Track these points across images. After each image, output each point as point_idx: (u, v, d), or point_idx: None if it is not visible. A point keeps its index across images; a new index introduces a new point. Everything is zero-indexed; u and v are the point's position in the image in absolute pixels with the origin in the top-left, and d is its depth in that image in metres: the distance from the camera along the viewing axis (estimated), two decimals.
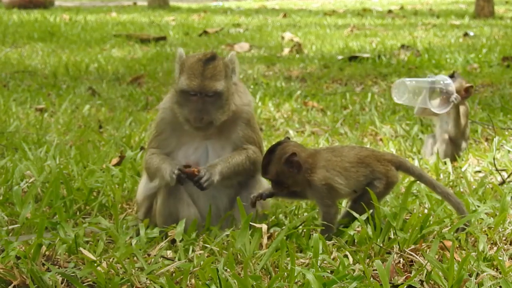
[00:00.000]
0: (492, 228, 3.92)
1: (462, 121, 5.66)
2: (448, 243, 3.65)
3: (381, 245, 3.64)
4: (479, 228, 3.90)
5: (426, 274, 3.31)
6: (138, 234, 3.82)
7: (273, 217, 4.17)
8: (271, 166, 3.80)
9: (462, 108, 5.68)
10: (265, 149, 3.97)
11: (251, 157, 3.93)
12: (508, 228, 3.93)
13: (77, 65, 10.47)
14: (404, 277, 3.34)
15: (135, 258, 3.54)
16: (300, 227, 3.84)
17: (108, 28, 16.92)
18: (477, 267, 3.39)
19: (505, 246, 3.75)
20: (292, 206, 4.37)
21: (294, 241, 3.72)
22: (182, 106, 3.85)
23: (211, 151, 3.94)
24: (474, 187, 4.69)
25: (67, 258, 3.56)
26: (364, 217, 3.77)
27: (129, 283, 3.23)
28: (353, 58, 11.09)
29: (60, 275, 3.26)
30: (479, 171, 5.36)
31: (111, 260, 3.43)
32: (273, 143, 3.95)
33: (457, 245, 3.69)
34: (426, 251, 3.53)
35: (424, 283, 3.28)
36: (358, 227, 3.83)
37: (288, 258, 3.40)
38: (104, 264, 3.37)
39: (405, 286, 3.18)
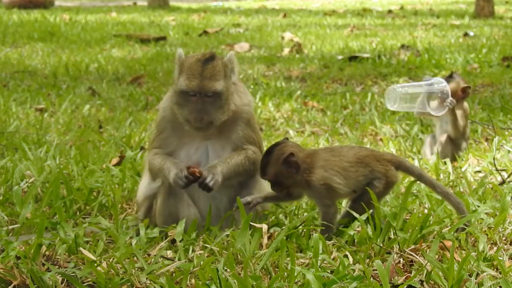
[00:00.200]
0: (492, 228, 3.92)
1: (461, 122, 5.65)
2: (448, 243, 3.65)
3: (381, 245, 3.64)
4: (479, 228, 3.90)
5: (426, 274, 3.31)
6: (138, 234, 3.82)
7: (273, 217, 4.17)
8: (269, 167, 3.80)
9: (461, 109, 5.68)
10: (265, 149, 3.97)
11: (250, 157, 3.93)
12: (508, 228, 3.93)
13: (77, 65, 10.47)
14: (404, 277, 3.34)
15: (135, 258, 3.54)
16: (300, 227, 3.84)
17: (108, 28, 16.92)
18: (477, 267, 3.39)
19: (505, 246, 3.75)
20: (292, 206, 4.36)
21: (294, 241, 3.71)
22: (182, 106, 3.85)
23: (211, 151, 3.94)
24: (474, 187, 4.69)
25: (67, 258, 3.56)
26: (364, 217, 3.77)
27: (129, 283, 3.23)
28: (353, 58, 11.09)
29: (60, 275, 3.26)
30: (479, 171, 5.36)
31: (111, 260, 3.43)
32: (273, 143, 3.95)
33: (457, 245, 3.69)
34: (426, 251, 3.53)
35: (424, 283, 3.28)
36: (358, 227, 3.83)
37: (288, 258, 3.40)
38: (104, 264, 3.37)
39: (405, 286, 3.18)
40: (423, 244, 3.64)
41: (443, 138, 5.69)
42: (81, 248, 3.52)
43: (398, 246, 3.64)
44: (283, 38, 14.47)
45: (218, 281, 3.12)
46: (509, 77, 9.44)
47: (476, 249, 3.61)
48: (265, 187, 4.02)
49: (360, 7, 27.05)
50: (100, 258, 3.45)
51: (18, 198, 4.24)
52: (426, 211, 4.19)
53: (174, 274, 3.33)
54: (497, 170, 5.07)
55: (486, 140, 6.27)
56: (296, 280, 3.19)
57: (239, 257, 3.54)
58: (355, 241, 3.74)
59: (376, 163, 3.88)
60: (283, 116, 7.32)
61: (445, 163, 5.45)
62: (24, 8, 23.45)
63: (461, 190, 4.73)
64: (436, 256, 3.49)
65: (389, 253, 3.63)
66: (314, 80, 9.53)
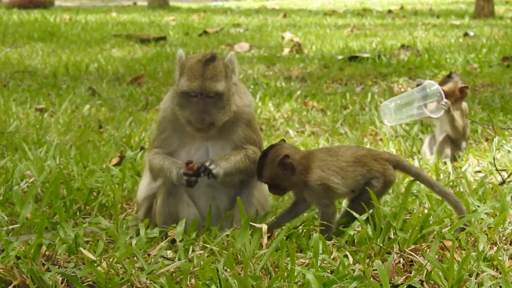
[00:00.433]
0: (492, 228, 3.92)
1: (460, 122, 5.65)
2: (448, 243, 3.65)
3: (381, 245, 3.64)
4: (479, 228, 3.90)
5: (426, 274, 3.31)
6: (138, 234, 3.82)
7: (273, 217, 4.17)
8: (265, 170, 3.81)
9: (459, 109, 5.68)
10: None
11: (250, 156, 3.92)
12: (508, 228, 3.93)
13: (77, 65, 10.47)
14: (404, 277, 3.34)
15: (135, 258, 3.53)
16: (300, 227, 3.84)
17: (108, 28, 16.92)
18: (477, 267, 3.39)
19: (505, 246, 3.75)
20: None
21: (294, 241, 3.71)
22: (183, 107, 3.85)
23: (211, 151, 3.94)
24: (474, 187, 4.69)
25: (67, 258, 3.56)
26: (364, 217, 3.77)
27: (129, 283, 3.23)
28: (353, 58, 11.09)
29: (60, 275, 3.26)
30: (479, 171, 5.36)
31: (111, 260, 3.43)
32: (269, 145, 3.96)
33: (457, 245, 3.69)
34: (426, 251, 3.53)
35: (424, 283, 3.28)
36: (358, 227, 3.83)
37: (288, 258, 3.40)
38: (104, 264, 3.37)
39: (405, 286, 3.18)
40: (423, 244, 3.64)
41: (443, 138, 5.69)
42: (81, 248, 3.52)
43: (398, 246, 3.64)
44: (283, 38, 14.47)
45: (218, 281, 3.12)
46: (509, 77, 9.44)
47: (476, 249, 3.61)
48: (265, 187, 4.01)
49: (360, 7, 27.05)
50: (100, 258, 3.45)
51: (18, 198, 4.24)
52: (426, 211, 4.19)
53: (174, 274, 3.33)
54: (497, 170, 5.07)
55: (486, 140, 6.27)
56: (296, 280, 3.19)
57: (239, 257, 3.54)
58: (355, 241, 3.74)
59: (374, 162, 3.88)
60: (283, 116, 7.32)
61: (445, 163, 5.45)
62: (24, 8, 23.45)
63: (461, 190, 4.73)
64: (436, 256, 3.49)
65: (389, 253, 3.63)
66: (314, 80, 9.53)
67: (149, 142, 4.19)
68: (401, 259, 3.57)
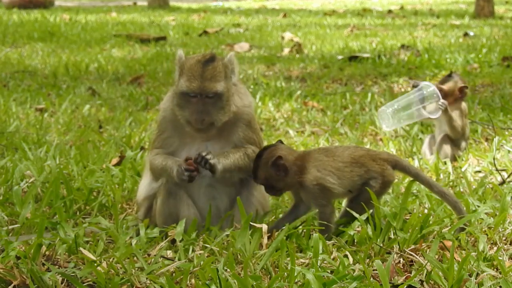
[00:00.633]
0: (492, 228, 3.92)
1: (459, 122, 5.65)
2: (448, 243, 3.65)
3: (381, 245, 3.64)
4: (479, 228, 3.90)
5: (426, 274, 3.31)
6: (138, 234, 3.82)
7: (273, 217, 4.17)
8: (260, 171, 3.83)
9: (458, 109, 5.68)
10: None
11: (249, 155, 3.92)
12: (508, 228, 3.93)
13: (77, 65, 10.47)
14: (404, 277, 3.34)
15: (135, 258, 3.53)
16: (300, 227, 3.84)
17: (108, 28, 16.92)
18: (477, 267, 3.39)
19: (505, 246, 3.76)
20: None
21: (294, 241, 3.71)
22: (182, 108, 3.85)
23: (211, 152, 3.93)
24: (474, 187, 4.69)
25: (67, 258, 3.56)
26: (364, 217, 3.77)
27: (129, 283, 3.23)
28: (353, 58, 11.09)
29: (60, 275, 3.26)
30: (479, 171, 5.36)
31: (111, 260, 3.43)
32: (264, 146, 3.97)
33: (457, 245, 3.69)
34: (426, 251, 3.53)
35: (424, 283, 3.28)
36: (358, 227, 3.83)
37: (288, 258, 3.40)
38: (104, 264, 3.37)
39: (405, 286, 3.18)
40: (423, 244, 3.64)
41: (442, 138, 5.69)
42: (81, 248, 3.52)
43: (398, 246, 3.64)
44: (283, 38, 14.47)
45: (218, 281, 3.12)
46: (509, 77, 9.44)
47: (476, 249, 3.61)
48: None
49: (360, 7, 27.05)
50: (100, 258, 3.45)
51: (18, 198, 4.24)
52: (426, 211, 4.19)
53: (174, 274, 3.33)
54: (497, 170, 5.08)
55: (486, 140, 6.27)
56: (296, 280, 3.19)
57: (239, 257, 3.54)
58: (355, 241, 3.74)
59: (372, 162, 3.88)
60: (283, 116, 7.32)
61: (445, 163, 5.45)
62: (24, 8, 23.45)
63: (461, 190, 4.73)
64: (436, 256, 3.49)
65: (389, 253, 3.63)
66: (314, 80, 9.53)
67: (150, 143, 4.19)
68: (401, 259, 3.57)
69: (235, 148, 3.94)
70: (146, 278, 3.27)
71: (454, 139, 5.70)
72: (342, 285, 3.16)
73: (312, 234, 3.65)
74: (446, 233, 3.78)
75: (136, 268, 3.37)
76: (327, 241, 3.62)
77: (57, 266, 3.46)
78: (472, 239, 3.82)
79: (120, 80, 9.53)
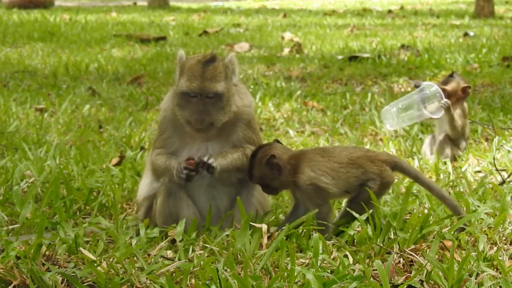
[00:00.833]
0: (492, 228, 3.92)
1: (459, 122, 5.65)
2: (448, 243, 3.65)
3: (381, 245, 3.64)
4: (479, 228, 3.90)
5: (426, 274, 3.31)
6: (138, 234, 3.82)
7: (273, 217, 4.17)
8: (254, 170, 3.84)
9: (460, 109, 5.68)
10: None
11: (248, 154, 3.92)
12: (508, 228, 3.93)
13: (77, 65, 10.47)
14: (404, 277, 3.34)
15: (135, 258, 3.53)
16: (300, 227, 3.84)
17: (108, 28, 16.92)
18: (477, 267, 3.39)
19: (505, 246, 3.76)
20: (292, 206, 4.36)
21: (294, 241, 3.71)
22: (183, 108, 3.86)
23: (211, 152, 3.93)
24: (474, 187, 4.69)
25: (67, 258, 3.56)
26: (364, 217, 3.77)
27: (129, 283, 3.23)
28: (353, 58, 11.09)
29: (60, 275, 3.26)
30: (479, 171, 5.36)
31: (111, 260, 3.43)
32: (259, 145, 3.97)
33: (457, 245, 3.69)
34: (426, 251, 3.53)
35: (424, 283, 3.28)
36: (358, 227, 3.83)
37: (288, 258, 3.40)
38: (104, 264, 3.37)
39: (405, 286, 3.18)
40: (423, 244, 3.64)
41: (443, 138, 5.68)
42: (81, 248, 3.52)
43: (398, 246, 3.64)
44: (283, 38, 14.47)
45: (218, 281, 3.12)
46: (509, 77, 9.44)
47: (476, 249, 3.61)
48: None
49: (360, 7, 27.05)
50: (100, 258, 3.45)
51: (18, 198, 4.24)
52: (426, 211, 4.19)
53: (174, 274, 3.33)
54: (497, 170, 5.07)
55: (486, 140, 6.27)
56: (296, 280, 3.19)
57: (239, 257, 3.54)
58: (355, 241, 3.74)
59: (370, 164, 3.87)
60: (283, 116, 7.32)
61: (445, 163, 5.45)
62: (24, 8, 23.45)
63: (461, 190, 4.73)
64: (436, 256, 3.49)
65: (389, 253, 3.63)
66: (314, 80, 9.53)
67: (151, 143, 4.19)
68: (401, 259, 3.57)
69: (234, 148, 3.94)
70: (146, 278, 3.27)
71: (454, 139, 5.71)
72: (342, 285, 3.16)
73: (312, 234, 3.65)
74: (446, 233, 3.78)
75: (136, 268, 3.37)
76: (327, 241, 3.62)
77: (57, 266, 3.46)
78: (472, 239, 3.82)
79: (120, 80, 9.52)
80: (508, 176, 4.93)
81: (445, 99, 5.42)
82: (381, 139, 6.33)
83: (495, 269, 3.43)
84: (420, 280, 3.30)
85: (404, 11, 24.56)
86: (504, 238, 3.87)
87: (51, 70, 10.07)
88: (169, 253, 3.62)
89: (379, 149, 5.85)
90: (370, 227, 3.75)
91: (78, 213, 4.33)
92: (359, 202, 3.81)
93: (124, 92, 8.53)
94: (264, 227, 3.64)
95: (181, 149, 3.96)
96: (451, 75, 5.72)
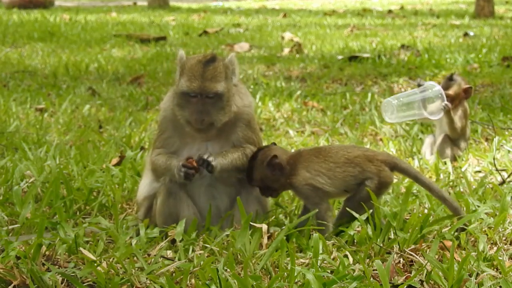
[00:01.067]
0: (492, 228, 3.92)
1: (459, 124, 5.65)
2: (448, 243, 3.65)
3: (381, 245, 3.64)
4: (479, 228, 3.90)
5: (426, 274, 3.31)
6: (138, 234, 3.82)
7: (273, 217, 4.17)
8: (255, 172, 3.85)
9: (461, 109, 5.68)
10: None
11: (248, 154, 3.93)
12: (508, 228, 3.94)
13: (77, 65, 10.47)
14: (404, 277, 3.34)
15: (135, 258, 3.54)
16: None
17: (108, 28, 16.92)
18: (477, 267, 3.39)
19: (505, 246, 3.76)
20: (292, 206, 4.37)
21: (294, 241, 3.71)
22: (182, 108, 3.86)
23: (211, 152, 3.93)
24: (474, 187, 4.69)
25: (67, 258, 3.56)
26: (364, 217, 3.77)
27: (129, 283, 3.23)
28: (353, 58, 11.09)
29: (60, 275, 3.26)
30: (479, 171, 5.36)
31: (111, 260, 3.43)
32: (257, 148, 3.97)
33: (457, 245, 3.69)
34: (426, 251, 3.53)
35: (424, 283, 3.28)
36: (358, 227, 3.83)
37: (288, 258, 3.40)
38: (104, 264, 3.37)
39: (405, 286, 3.18)
40: (423, 244, 3.64)
41: (443, 138, 5.68)
42: (81, 248, 3.52)
43: (398, 246, 3.64)
44: (283, 38, 14.47)
45: (218, 281, 3.12)
46: (509, 77, 9.44)
47: (476, 249, 3.61)
48: None
49: (360, 7, 27.05)
50: (100, 258, 3.45)
51: (18, 198, 4.24)
52: (426, 211, 4.19)
53: (174, 274, 3.33)
54: (497, 170, 5.08)
55: (486, 140, 6.27)
56: (296, 280, 3.19)
57: (239, 257, 3.54)
58: (355, 241, 3.74)
59: (367, 163, 3.87)
60: (283, 116, 7.32)
61: (445, 163, 5.45)
62: (24, 8, 23.45)
63: (461, 190, 4.73)
64: (436, 256, 3.49)
65: (389, 253, 3.63)
66: (314, 80, 9.53)
67: (151, 143, 4.20)
68: (401, 259, 3.57)
69: (234, 147, 3.95)
70: (146, 278, 3.27)
71: (454, 139, 5.71)
72: (342, 285, 3.16)
73: (312, 234, 3.65)
74: (446, 233, 3.78)
75: (136, 268, 3.37)
76: (327, 241, 3.62)
77: (57, 266, 3.46)
78: (472, 239, 3.82)
79: (120, 80, 9.52)
80: (508, 176, 4.93)
81: (446, 102, 5.42)
82: (381, 139, 6.33)
83: (495, 269, 3.43)
84: (420, 280, 3.30)
85: (404, 11, 24.56)
86: (504, 238, 3.87)
87: (51, 70, 10.07)
88: (169, 253, 3.62)
89: (379, 149, 5.85)
90: (370, 227, 3.75)
91: (78, 213, 4.33)
92: (357, 201, 3.82)
93: (124, 92, 8.53)
94: (264, 227, 3.64)
95: (181, 149, 3.96)
96: (450, 78, 5.69)
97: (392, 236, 3.77)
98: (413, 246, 3.64)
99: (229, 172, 3.89)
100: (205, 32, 15.76)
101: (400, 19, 20.54)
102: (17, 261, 3.36)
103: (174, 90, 3.96)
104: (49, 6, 24.80)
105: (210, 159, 3.78)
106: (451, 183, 4.97)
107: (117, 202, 4.38)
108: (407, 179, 4.70)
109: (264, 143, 4.16)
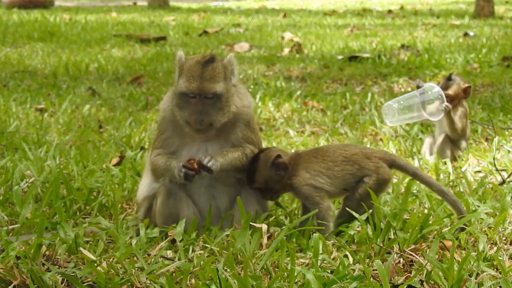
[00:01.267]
0: (492, 228, 3.92)
1: (460, 124, 5.65)
2: (448, 243, 3.65)
3: (381, 245, 3.64)
4: (479, 228, 3.90)
5: (426, 274, 3.31)
6: (138, 234, 3.82)
7: (273, 217, 4.17)
8: (258, 174, 3.85)
9: (462, 110, 5.68)
10: None
11: (248, 154, 3.93)
12: (508, 228, 3.94)
13: (77, 65, 10.47)
14: (404, 277, 3.34)
15: (135, 258, 3.54)
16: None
17: (108, 28, 16.92)
18: (477, 267, 3.39)
19: (505, 246, 3.76)
20: (292, 206, 4.37)
21: (294, 241, 3.72)
22: (182, 108, 3.86)
23: (210, 152, 3.93)
24: (474, 187, 4.69)
25: (67, 258, 3.56)
26: (364, 217, 3.77)
27: (129, 283, 3.23)
28: (353, 58, 11.09)
29: (60, 275, 3.26)
30: (479, 171, 5.36)
31: (111, 260, 3.43)
32: (273, 143, 3.97)
33: (457, 245, 3.69)
34: (426, 251, 3.53)
35: (424, 283, 3.28)
36: (358, 227, 3.83)
37: (288, 258, 3.40)
38: (104, 264, 3.37)
39: (405, 286, 3.18)
40: (423, 244, 3.64)
41: (443, 138, 5.68)
42: (81, 248, 3.52)
43: (398, 246, 3.64)
44: (283, 38, 14.47)
45: (218, 281, 3.12)
46: (509, 77, 9.44)
47: (476, 249, 3.61)
48: None
49: (360, 7, 27.05)
50: (100, 258, 3.45)
51: (18, 198, 4.24)
52: (426, 211, 4.19)
53: (174, 274, 3.33)
54: (497, 170, 5.07)
55: (486, 140, 6.27)
56: (296, 280, 3.19)
57: (239, 257, 3.54)
58: (355, 241, 3.74)
59: (365, 160, 3.89)
60: (283, 116, 7.32)
61: (445, 163, 5.45)
62: (24, 8, 23.45)
63: (461, 190, 4.73)
64: (436, 256, 3.49)
65: (389, 253, 3.63)
66: (314, 80, 9.53)
67: (151, 143, 4.19)
68: (401, 259, 3.57)
69: (233, 147, 3.95)
70: (146, 278, 3.27)
71: (454, 139, 5.71)
72: (342, 285, 3.16)
73: (312, 234, 3.65)
74: (446, 233, 3.78)
75: (136, 268, 3.37)
76: (327, 241, 3.62)
77: (57, 266, 3.46)
78: (472, 239, 3.82)
79: (120, 80, 9.52)
80: (508, 176, 4.93)
81: (446, 103, 5.42)
82: (381, 139, 6.33)
83: (495, 269, 3.43)
84: (420, 280, 3.30)
85: (404, 11, 24.56)
86: (504, 238, 3.87)
87: (51, 70, 10.07)
88: (169, 253, 3.62)
89: (379, 149, 5.84)
90: (370, 227, 3.76)
91: (78, 213, 4.33)
92: (356, 200, 3.82)
93: (124, 92, 8.53)
94: (264, 227, 3.64)
95: (181, 149, 3.96)
96: (449, 78, 5.69)
97: (392, 236, 3.77)
98: (413, 246, 3.64)
99: (228, 171, 3.89)
100: (205, 32, 15.76)
101: (400, 19, 20.54)
102: (17, 261, 3.36)
103: (173, 91, 3.96)
104: (49, 6, 24.81)
105: (210, 164, 3.77)
106: (451, 183, 4.97)
107: (117, 202, 4.38)
108: (407, 179, 4.70)
109: (264, 143, 4.16)
